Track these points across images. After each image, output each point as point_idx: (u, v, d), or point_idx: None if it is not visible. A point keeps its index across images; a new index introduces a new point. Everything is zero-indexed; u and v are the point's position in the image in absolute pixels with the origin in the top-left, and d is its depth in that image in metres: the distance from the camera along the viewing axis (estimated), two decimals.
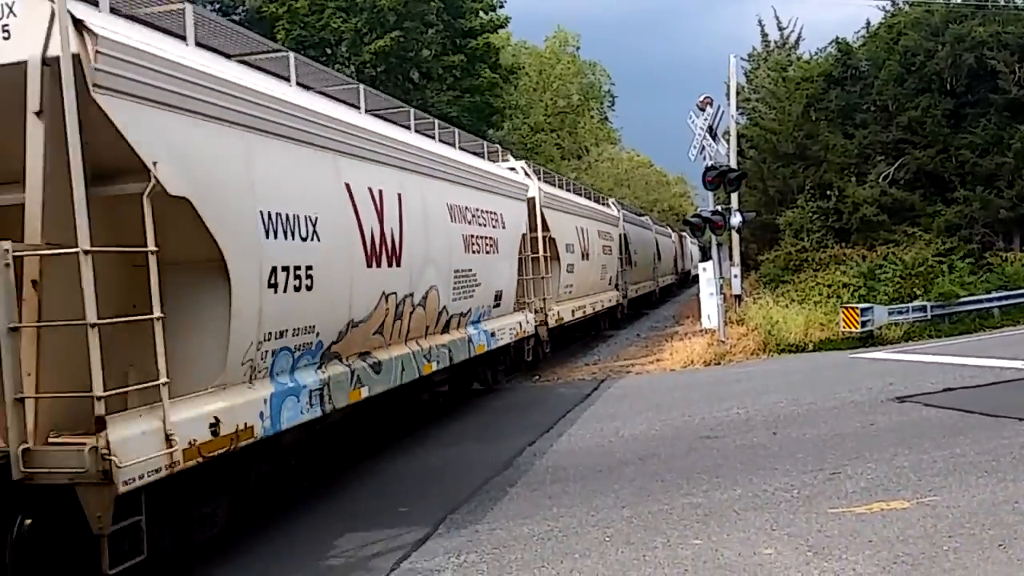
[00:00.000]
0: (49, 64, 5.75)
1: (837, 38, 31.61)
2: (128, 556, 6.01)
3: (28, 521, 6.00)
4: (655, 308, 38.78)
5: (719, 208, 21.33)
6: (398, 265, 10.06)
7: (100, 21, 6.01)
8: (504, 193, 15.14)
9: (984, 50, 26.28)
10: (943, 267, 23.45)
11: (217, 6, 32.30)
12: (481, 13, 35.20)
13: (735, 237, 24.84)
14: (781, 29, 40.76)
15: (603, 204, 29.40)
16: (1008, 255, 25.26)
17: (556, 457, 10.60)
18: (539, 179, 18.86)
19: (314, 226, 8.09)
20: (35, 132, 5.85)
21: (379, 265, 9.54)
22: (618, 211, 30.91)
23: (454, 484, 9.56)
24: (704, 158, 21.03)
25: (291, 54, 8.66)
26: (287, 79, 8.59)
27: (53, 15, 5.71)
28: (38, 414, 5.85)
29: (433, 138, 12.44)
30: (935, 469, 8.50)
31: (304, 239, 7.92)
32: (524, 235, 16.21)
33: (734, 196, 22.82)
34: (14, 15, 5.84)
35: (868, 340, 19.44)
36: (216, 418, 6.77)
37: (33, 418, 5.83)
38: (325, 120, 8.66)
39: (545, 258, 18.03)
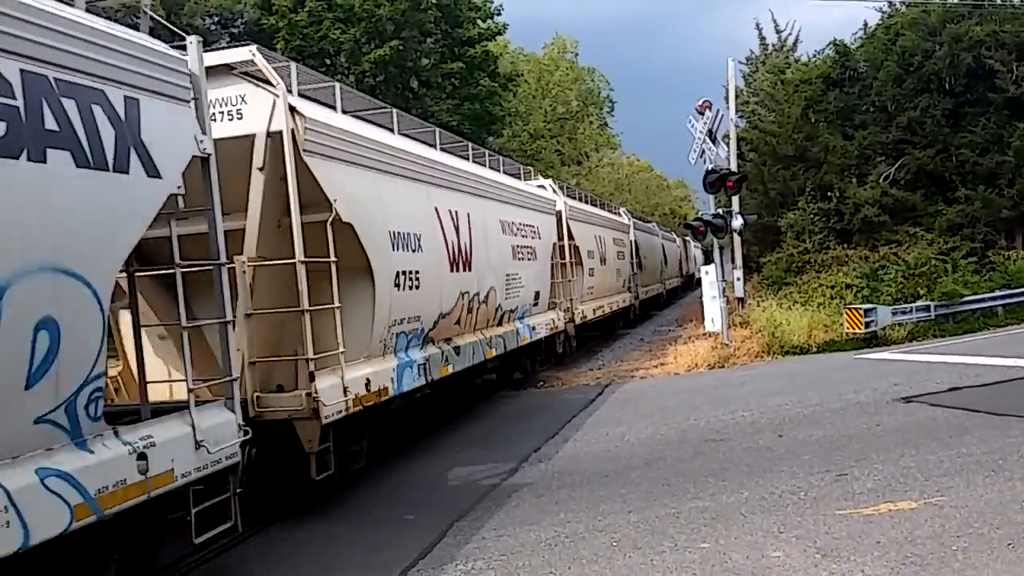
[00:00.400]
0: (271, 136, 9.75)
1: (835, 40, 34.15)
2: (322, 471, 9.96)
3: (254, 451, 9.86)
4: (662, 310, 42.45)
5: (720, 211, 23.33)
6: (469, 270, 14.21)
7: (299, 103, 9.99)
8: (538, 208, 19.50)
9: (982, 49, 28.60)
10: (946, 266, 25.51)
11: (216, 19, 35.26)
12: (479, 21, 38.45)
13: (737, 240, 27.29)
14: (779, 32, 43.28)
15: (615, 213, 33.74)
16: (1011, 253, 27.46)
17: (562, 463, 11.52)
18: (564, 194, 23.23)
19: (419, 240, 12.15)
20: (256, 181, 9.84)
21: (458, 270, 13.69)
22: (629, 219, 35.27)
23: (461, 490, 10.54)
24: (704, 162, 22.82)
25: (393, 110, 12.75)
26: (391, 129, 12.62)
27: (275, 104, 9.72)
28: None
29: (484, 165, 16.68)
30: (942, 469, 9.10)
31: (414, 251, 11.96)
32: (554, 244, 20.52)
33: (735, 199, 25.37)
34: (245, 103, 9.86)
35: (872, 341, 20.92)
36: (368, 379, 10.74)
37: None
38: (420, 160, 12.83)
39: (571, 263, 22.29)
